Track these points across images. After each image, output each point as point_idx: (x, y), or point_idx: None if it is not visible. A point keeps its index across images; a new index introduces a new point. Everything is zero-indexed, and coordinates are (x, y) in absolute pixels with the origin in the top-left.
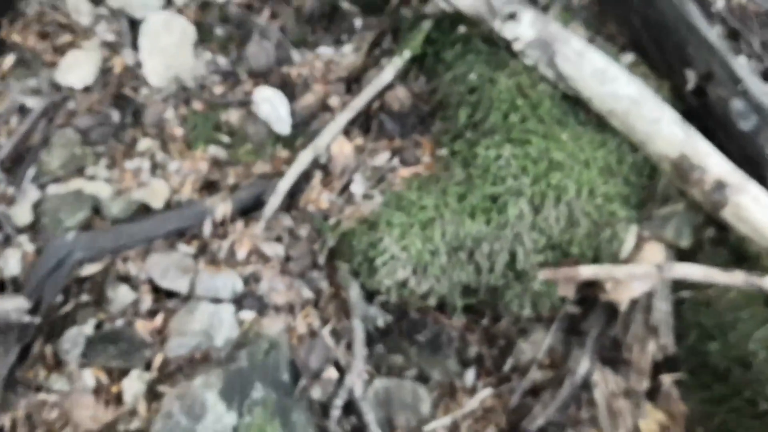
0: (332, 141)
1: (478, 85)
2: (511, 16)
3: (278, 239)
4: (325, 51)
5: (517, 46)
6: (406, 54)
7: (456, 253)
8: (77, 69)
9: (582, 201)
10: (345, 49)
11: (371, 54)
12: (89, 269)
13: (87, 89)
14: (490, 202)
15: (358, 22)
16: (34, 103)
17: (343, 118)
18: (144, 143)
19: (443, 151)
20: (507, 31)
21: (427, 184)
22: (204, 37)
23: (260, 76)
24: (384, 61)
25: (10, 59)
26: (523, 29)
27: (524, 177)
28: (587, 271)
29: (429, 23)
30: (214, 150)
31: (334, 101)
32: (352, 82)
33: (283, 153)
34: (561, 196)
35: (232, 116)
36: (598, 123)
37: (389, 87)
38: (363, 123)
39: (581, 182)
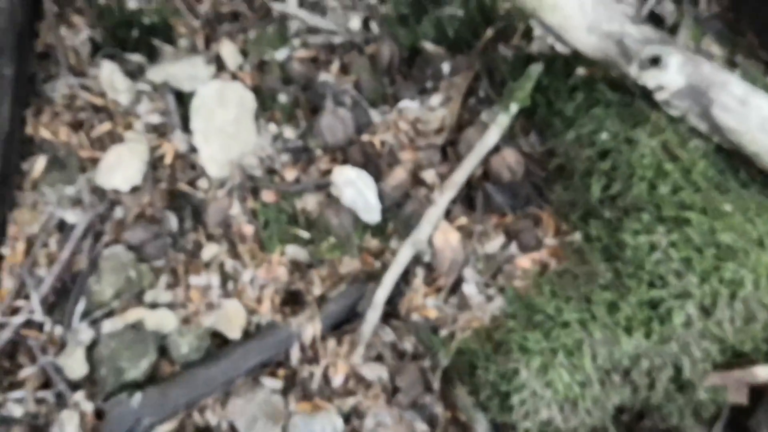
0: (434, 230)
1: (611, 147)
2: (654, 61)
3: (379, 358)
4: (409, 105)
5: (660, 96)
6: (513, 108)
7: (609, 375)
8: (122, 168)
9: (761, 292)
10: (432, 100)
11: (465, 105)
12: (162, 429)
13: (135, 189)
14: (649, 309)
15: (445, 66)
16: (76, 218)
17: (443, 200)
18: (209, 250)
19: (575, 236)
20: (648, 78)
21: (561, 284)
22: (265, 105)
23: (338, 150)
24: (483, 114)
25: (41, 161)
26: (670, 76)
27: (690, 274)
28: (766, 374)
29: (538, 68)
30: (293, 250)
31: (428, 175)
32: (447, 145)
33: (372, 243)
34: (736, 292)
35: (309, 203)
36: (765, 182)
37: (494, 149)
38: (465, 196)
39: (758, 270)
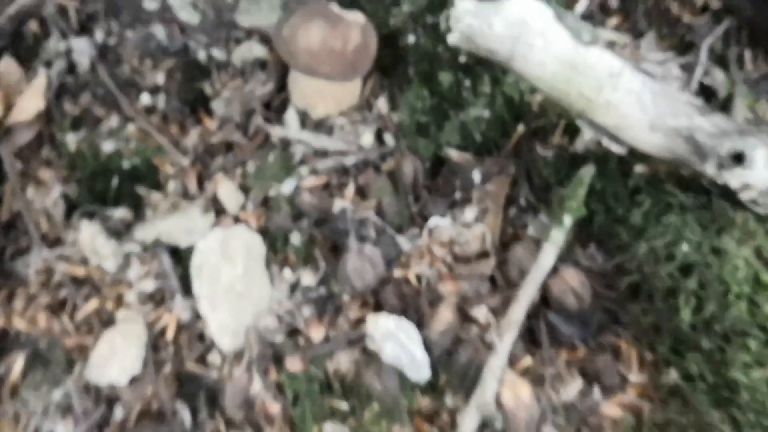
0: (499, 385)
1: (696, 260)
2: (737, 159)
3: None
4: (440, 223)
5: (747, 196)
6: (567, 221)
7: None
8: (116, 358)
9: None
10: (466, 214)
11: (506, 217)
12: None
13: (135, 381)
14: None
15: (475, 174)
16: (68, 430)
17: (504, 347)
18: None
19: (670, 374)
20: (731, 178)
21: None
22: (276, 248)
23: (368, 294)
24: (530, 228)
25: (19, 360)
26: (758, 173)
27: None
28: None
29: (590, 170)
30: (332, 428)
31: (479, 312)
32: (494, 270)
33: (423, 403)
34: None
35: (343, 364)
36: None
37: (552, 270)
38: (525, 329)
39: None
